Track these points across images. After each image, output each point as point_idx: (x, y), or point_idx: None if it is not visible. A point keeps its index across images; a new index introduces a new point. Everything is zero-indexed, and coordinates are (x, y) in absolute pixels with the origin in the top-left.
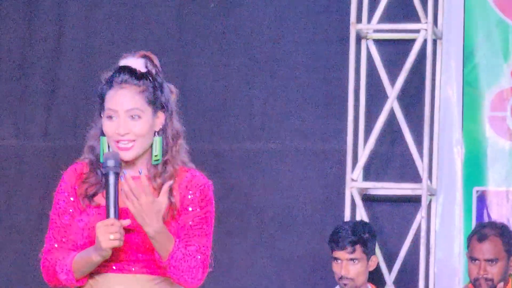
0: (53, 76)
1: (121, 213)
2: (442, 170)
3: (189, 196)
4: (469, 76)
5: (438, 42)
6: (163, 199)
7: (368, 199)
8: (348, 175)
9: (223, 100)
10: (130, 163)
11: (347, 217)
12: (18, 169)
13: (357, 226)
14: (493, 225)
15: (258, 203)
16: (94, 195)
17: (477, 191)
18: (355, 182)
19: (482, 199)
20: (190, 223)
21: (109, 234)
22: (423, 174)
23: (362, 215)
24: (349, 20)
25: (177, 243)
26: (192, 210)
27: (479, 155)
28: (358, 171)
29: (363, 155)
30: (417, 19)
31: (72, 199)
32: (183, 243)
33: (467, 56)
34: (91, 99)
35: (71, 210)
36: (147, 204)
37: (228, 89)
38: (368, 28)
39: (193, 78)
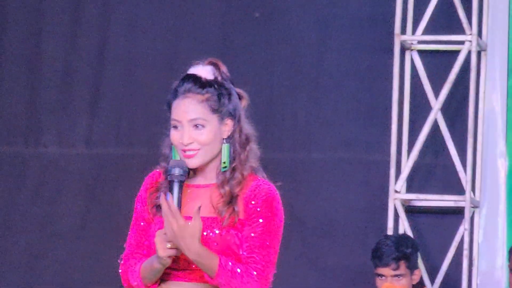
0: (96, 84)
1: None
2: (486, 182)
3: (251, 206)
4: None
5: (483, 53)
6: (196, 222)
7: (411, 211)
8: (391, 187)
9: (267, 110)
10: (200, 170)
11: (390, 228)
12: (60, 176)
13: (400, 241)
14: None
15: (301, 214)
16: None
17: None
18: (398, 193)
19: None
20: (252, 234)
21: (166, 242)
22: (467, 186)
23: (405, 226)
24: (393, 31)
25: (223, 261)
26: (255, 222)
27: None
28: (401, 183)
29: (406, 166)
30: (461, 31)
31: (146, 208)
32: (236, 259)
33: None
34: (133, 107)
35: (146, 217)
36: (179, 228)
37: (272, 99)
38: (413, 39)
39: (237, 87)
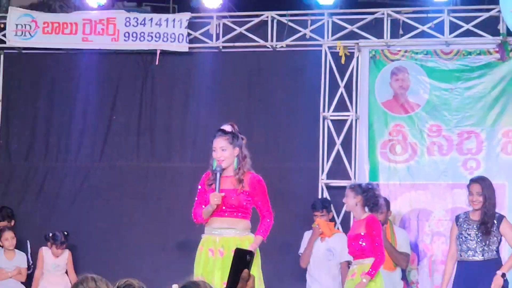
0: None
1: (221, 191)
2: (360, 176)
3: (253, 185)
4: (371, 135)
5: (358, 121)
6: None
7: (329, 188)
8: (320, 177)
9: (257, 145)
10: (226, 170)
11: (319, 196)
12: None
13: (324, 200)
14: None
15: (278, 192)
16: (212, 184)
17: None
18: (323, 180)
19: None
20: (259, 203)
21: (214, 198)
22: (353, 177)
23: (326, 195)
24: (319, 109)
25: (257, 234)
26: (258, 194)
27: (376, 169)
28: (324, 174)
29: (326, 167)
30: (348, 109)
31: (204, 186)
32: (260, 221)
33: (370, 126)
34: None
35: (204, 190)
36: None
37: (257, 141)
38: (328, 114)
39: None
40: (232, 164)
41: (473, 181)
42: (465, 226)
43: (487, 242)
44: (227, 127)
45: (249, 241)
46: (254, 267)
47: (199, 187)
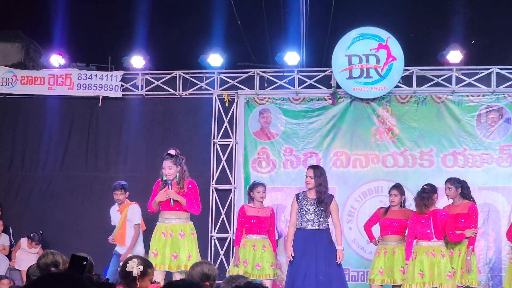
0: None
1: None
2: (238, 182)
3: (189, 186)
4: (245, 154)
5: (237, 145)
6: (173, 194)
7: (217, 190)
8: (211, 182)
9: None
10: (173, 180)
11: (211, 195)
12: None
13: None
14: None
15: None
16: (162, 188)
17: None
18: (213, 184)
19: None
20: (191, 197)
21: (161, 196)
22: (233, 183)
23: (215, 196)
24: (211, 137)
25: (187, 201)
26: (190, 192)
27: (248, 177)
28: (214, 181)
29: (215, 176)
30: (230, 137)
31: (156, 189)
32: (190, 201)
33: (245, 148)
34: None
35: (156, 190)
36: (173, 194)
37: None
38: (217, 140)
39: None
40: (175, 177)
41: (309, 167)
42: (304, 202)
43: (322, 215)
44: (172, 152)
45: (190, 227)
46: (191, 243)
47: (155, 188)
